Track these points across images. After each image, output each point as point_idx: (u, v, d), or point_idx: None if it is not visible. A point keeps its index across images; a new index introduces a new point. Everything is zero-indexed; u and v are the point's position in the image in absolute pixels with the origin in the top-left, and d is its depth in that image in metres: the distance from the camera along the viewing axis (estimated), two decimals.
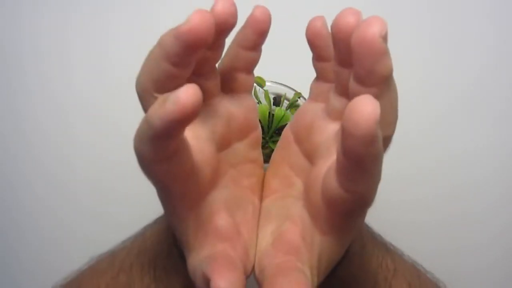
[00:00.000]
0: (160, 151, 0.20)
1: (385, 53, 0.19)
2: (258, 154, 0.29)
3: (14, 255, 0.54)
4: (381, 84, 0.20)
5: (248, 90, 0.27)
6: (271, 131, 0.42)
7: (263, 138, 0.42)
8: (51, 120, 0.55)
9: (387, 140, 0.22)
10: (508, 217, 0.53)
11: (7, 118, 0.55)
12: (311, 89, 0.27)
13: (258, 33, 0.25)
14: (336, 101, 0.24)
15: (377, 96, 0.20)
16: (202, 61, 0.24)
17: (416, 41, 0.55)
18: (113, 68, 0.55)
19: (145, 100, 0.23)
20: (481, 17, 0.56)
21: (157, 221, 0.32)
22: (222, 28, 0.22)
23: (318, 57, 0.25)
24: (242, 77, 0.26)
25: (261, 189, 0.28)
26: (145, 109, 0.24)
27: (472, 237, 0.53)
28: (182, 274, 0.28)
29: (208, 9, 0.21)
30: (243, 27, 0.25)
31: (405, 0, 0.56)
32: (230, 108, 0.26)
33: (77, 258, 0.31)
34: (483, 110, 0.55)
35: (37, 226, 0.54)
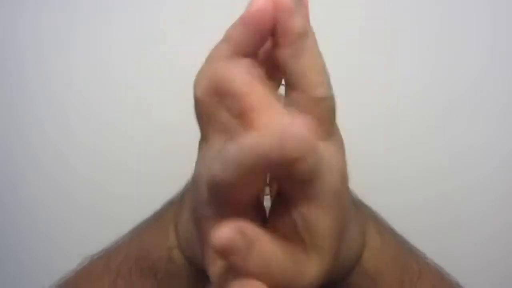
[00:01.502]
0: None
1: (292, 10, 0.19)
2: None
3: (13, 255, 0.54)
4: (296, 42, 0.20)
5: None
6: None
7: None
8: (51, 120, 0.55)
9: (325, 102, 0.21)
10: (508, 217, 0.53)
11: (7, 118, 0.55)
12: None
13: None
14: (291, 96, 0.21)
15: (295, 55, 0.20)
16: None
17: (416, 41, 0.55)
18: (113, 68, 0.55)
19: (206, 108, 0.20)
20: (481, 17, 0.56)
21: (150, 220, 0.31)
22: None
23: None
24: None
25: None
26: (204, 120, 0.21)
27: (472, 238, 0.52)
28: (185, 278, 0.28)
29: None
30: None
31: (405, 0, 0.56)
32: None
33: (76, 258, 0.31)
34: (483, 110, 0.54)
35: (36, 226, 0.54)
